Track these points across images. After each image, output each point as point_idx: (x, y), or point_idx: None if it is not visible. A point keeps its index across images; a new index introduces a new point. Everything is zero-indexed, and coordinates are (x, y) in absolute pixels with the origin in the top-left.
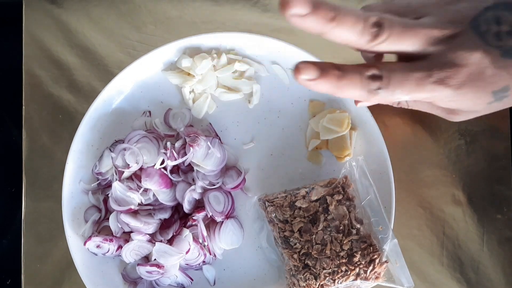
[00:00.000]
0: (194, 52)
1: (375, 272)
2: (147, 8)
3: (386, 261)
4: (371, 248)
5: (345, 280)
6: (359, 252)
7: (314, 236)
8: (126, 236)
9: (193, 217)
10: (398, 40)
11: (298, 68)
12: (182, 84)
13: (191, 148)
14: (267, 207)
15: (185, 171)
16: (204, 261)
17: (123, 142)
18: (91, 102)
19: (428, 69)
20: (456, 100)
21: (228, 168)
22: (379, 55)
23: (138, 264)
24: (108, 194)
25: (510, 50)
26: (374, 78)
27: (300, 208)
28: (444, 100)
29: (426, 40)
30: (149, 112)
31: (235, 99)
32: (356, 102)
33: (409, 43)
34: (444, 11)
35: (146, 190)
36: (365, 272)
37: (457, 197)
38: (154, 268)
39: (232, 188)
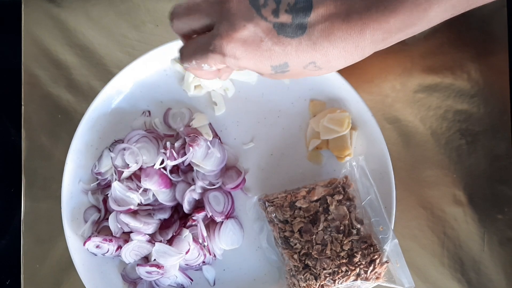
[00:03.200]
0: None
1: (376, 272)
2: (146, 7)
3: (386, 262)
4: (372, 248)
5: (346, 280)
6: (360, 253)
7: (314, 236)
8: (126, 236)
9: (193, 217)
10: (185, 19)
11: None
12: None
13: (190, 148)
14: (267, 207)
15: (185, 171)
16: (204, 262)
17: (123, 142)
18: (91, 102)
19: (208, 39)
20: (242, 66)
21: (228, 168)
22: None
23: (138, 265)
24: (107, 194)
25: (284, 27)
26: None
27: (300, 208)
28: (234, 66)
29: (205, 13)
30: (149, 111)
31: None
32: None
33: (194, 20)
34: None
35: (145, 190)
36: (366, 272)
37: (458, 197)
38: (154, 269)
39: (232, 188)
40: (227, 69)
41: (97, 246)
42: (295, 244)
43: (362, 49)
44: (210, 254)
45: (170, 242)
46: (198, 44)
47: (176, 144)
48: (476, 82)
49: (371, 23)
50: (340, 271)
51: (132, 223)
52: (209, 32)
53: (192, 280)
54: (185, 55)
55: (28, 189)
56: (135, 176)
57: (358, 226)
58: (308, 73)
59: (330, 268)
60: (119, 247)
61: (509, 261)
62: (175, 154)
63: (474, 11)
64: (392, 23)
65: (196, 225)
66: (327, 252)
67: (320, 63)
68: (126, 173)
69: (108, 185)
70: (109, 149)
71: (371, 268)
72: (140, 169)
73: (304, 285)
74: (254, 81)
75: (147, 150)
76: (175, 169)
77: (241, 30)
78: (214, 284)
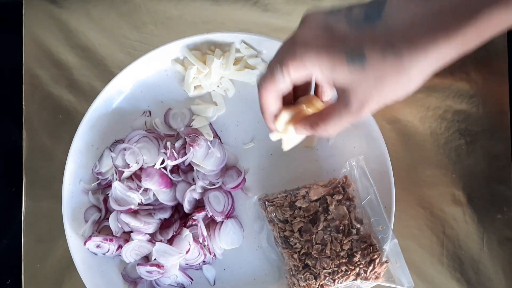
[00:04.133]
0: (194, 52)
1: (375, 272)
2: (147, 8)
3: (386, 261)
4: (371, 248)
5: (345, 280)
6: (359, 252)
7: (314, 236)
8: (126, 236)
9: (193, 217)
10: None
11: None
12: (188, 68)
13: (191, 148)
14: (267, 207)
15: (185, 171)
16: (204, 261)
17: (123, 142)
18: (91, 102)
19: (280, 51)
20: (317, 63)
21: (228, 168)
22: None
23: (138, 264)
24: (108, 194)
25: (354, 18)
26: None
27: (300, 208)
28: (310, 66)
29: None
30: (149, 112)
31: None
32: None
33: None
34: None
35: (146, 190)
36: (365, 272)
37: (457, 197)
38: (154, 268)
39: (232, 188)
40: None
41: (98, 246)
42: (295, 244)
43: (445, 27)
44: (210, 254)
45: (170, 241)
46: (273, 59)
47: (177, 144)
48: (475, 83)
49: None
50: (339, 271)
51: (133, 222)
52: None
53: (192, 280)
54: (263, 76)
55: (29, 189)
56: (136, 176)
57: (358, 225)
58: (390, 74)
59: (330, 268)
60: (120, 247)
61: (508, 261)
62: (175, 154)
63: None
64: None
65: (196, 225)
66: (326, 251)
67: (399, 44)
68: (127, 173)
69: (109, 185)
70: (110, 149)
71: (370, 267)
72: (141, 169)
73: (304, 284)
74: (254, 81)
75: (147, 150)
76: (176, 169)
77: (313, 29)
78: (214, 283)
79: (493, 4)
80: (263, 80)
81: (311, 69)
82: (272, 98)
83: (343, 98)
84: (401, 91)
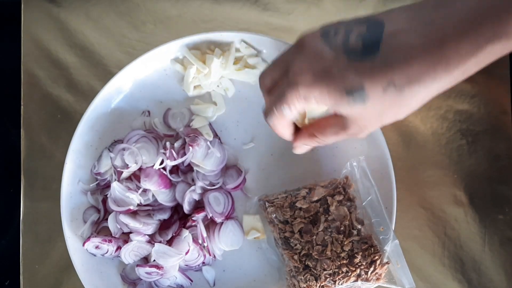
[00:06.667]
0: (193, 51)
1: (376, 273)
2: (146, 7)
3: (387, 262)
4: (372, 249)
5: (346, 281)
6: (360, 253)
7: (314, 237)
8: (125, 237)
9: (193, 218)
10: (268, 72)
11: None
12: (187, 68)
13: (190, 148)
14: (267, 207)
15: (185, 171)
16: (203, 262)
17: (122, 142)
18: (90, 102)
19: (285, 81)
20: (319, 99)
21: (228, 168)
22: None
23: (137, 265)
24: (107, 195)
25: (355, 52)
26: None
27: (300, 208)
28: (312, 102)
29: (284, 61)
30: (148, 111)
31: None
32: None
33: (275, 70)
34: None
35: (145, 190)
36: (366, 273)
37: (459, 197)
38: (154, 269)
39: (232, 188)
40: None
41: (97, 247)
42: (295, 245)
43: (446, 60)
44: (210, 255)
45: (169, 242)
46: (277, 89)
47: (176, 144)
48: (477, 82)
49: (453, 31)
50: (340, 272)
51: (132, 223)
52: None
53: (192, 281)
54: (267, 110)
55: (28, 189)
56: (135, 177)
57: (359, 226)
58: (390, 104)
59: (331, 269)
60: (119, 248)
61: (509, 261)
62: (174, 154)
63: None
64: (480, 30)
65: (196, 226)
66: (327, 252)
67: (400, 81)
68: (126, 173)
69: (108, 186)
70: (109, 149)
71: (371, 269)
72: (140, 169)
73: (305, 285)
74: (254, 81)
75: (146, 150)
76: (175, 170)
77: (311, 61)
78: (214, 285)
79: (496, 40)
80: (272, 117)
81: (314, 103)
82: (286, 128)
83: (342, 121)
84: (400, 116)
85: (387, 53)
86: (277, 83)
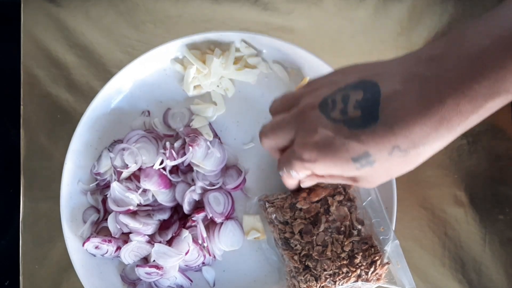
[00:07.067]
0: (193, 51)
1: (377, 273)
2: (146, 7)
3: (387, 263)
4: (373, 249)
5: (346, 281)
6: (360, 254)
7: (315, 237)
8: (125, 237)
9: (193, 218)
10: (272, 137)
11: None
12: (187, 68)
13: (190, 148)
14: (267, 208)
15: (185, 172)
16: (203, 262)
17: (122, 142)
18: (90, 102)
19: (292, 149)
20: (325, 169)
21: (228, 168)
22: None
23: (137, 265)
24: (106, 195)
25: (355, 121)
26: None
27: (301, 209)
28: (317, 170)
29: (287, 130)
30: (148, 111)
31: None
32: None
33: (279, 137)
34: (308, 96)
35: (145, 190)
36: (366, 273)
37: (459, 197)
38: (153, 269)
39: (232, 189)
40: (313, 177)
41: (96, 247)
42: (296, 245)
43: (447, 121)
44: (209, 255)
45: (169, 243)
46: (286, 154)
47: (176, 144)
48: None
49: (450, 91)
50: (340, 272)
51: (132, 223)
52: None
53: (191, 281)
54: (279, 165)
55: (27, 189)
56: (135, 177)
57: (359, 227)
58: (397, 163)
59: (331, 269)
60: (118, 248)
61: (510, 262)
62: (174, 154)
63: (476, 11)
64: (478, 89)
65: (195, 226)
66: (327, 253)
67: (405, 146)
68: (126, 173)
69: (107, 186)
70: (109, 149)
71: (372, 269)
72: (140, 169)
73: (305, 286)
74: (254, 81)
75: (146, 150)
76: (175, 170)
77: (313, 135)
78: (214, 285)
79: (496, 96)
80: (283, 174)
81: (321, 172)
82: (295, 183)
83: (352, 178)
84: (409, 169)
85: (387, 119)
86: (285, 147)
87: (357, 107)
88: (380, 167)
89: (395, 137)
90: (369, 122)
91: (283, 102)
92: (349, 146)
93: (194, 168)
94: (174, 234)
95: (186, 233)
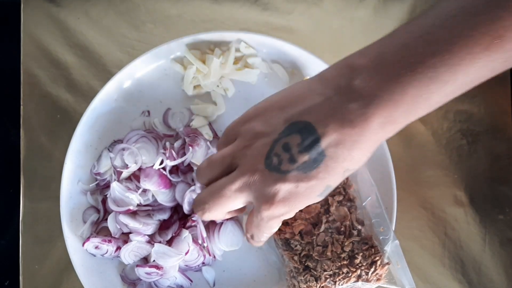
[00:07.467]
0: (193, 51)
1: (377, 273)
2: (146, 7)
3: (387, 263)
4: (373, 249)
5: (346, 282)
6: (361, 254)
7: (315, 237)
8: (125, 237)
9: (193, 218)
10: (218, 211)
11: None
12: (187, 68)
13: (190, 148)
14: None
15: (185, 172)
16: (203, 263)
17: (122, 142)
18: (90, 102)
19: (258, 213)
20: (297, 210)
21: None
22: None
23: (137, 265)
24: (106, 195)
25: (307, 164)
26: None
27: (301, 210)
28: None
29: (239, 198)
30: (148, 111)
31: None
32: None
33: (228, 207)
34: (244, 158)
35: (145, 190)
36: (367, 274)
37: (459, 197)
38: (153, 269)
39: None
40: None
41: (96, 247)
42: (296, 246)
43: (379, 138)
44: (209, 255)
45: (169, 243)
46: (255, 225)
47: (176, 144)
48: None
49: (375, 118)
50: (341, 273)
51: (131, 223)
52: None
53: (191, 281)
54: (251, 238)
55: (27, 189)
56: (135, 177)
57: (359, 227)
58: (348, 174)
59: (331, 270)
60: (118, 248)
61: (510, 262)
62: (174, 154)
63: None
64: (397, 115)
65: (195, 226)
66: (327, 253)
67: (352, 166)
68: (125, 173)
69: (107, 186)
70: (108, 149)
71: (372, 269)
72: (140, 169)
73: (305, 286)
74: (254, 81)
75: (146, 150)
76: (175, 170)
77: (277, 195)
78: (214, 285)
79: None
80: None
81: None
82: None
83: None
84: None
85: (333, 152)
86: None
87: (302, 151)
88: (335, 183)
89: (343, 164)
90: (319, 160)
91: (213, 169)
92: (313, 188)
93: (194, 168)
94: (174, 234)
95: (186, 233)
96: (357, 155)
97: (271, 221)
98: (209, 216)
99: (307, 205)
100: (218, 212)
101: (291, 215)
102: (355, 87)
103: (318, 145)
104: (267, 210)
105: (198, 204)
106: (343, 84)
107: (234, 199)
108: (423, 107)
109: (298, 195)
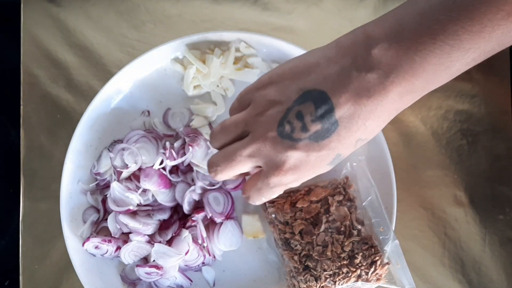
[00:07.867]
0: (193, 51)
1: (377, 273)
2: (146, 7)
3: (387, 263)
4: (373, 249)
5: (346, 282)
6: (361, 254)
7: (315, 237)
8: (125, 237)
9: (193, 218)
10: (228, 174)
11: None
12: (187, 68)
13: (190, 148)
14: (268, 207)
15: (185, 172)
16: (203, 262)
17: (122, 142)
18: (90, 102)
19: (262, 179)
20: (307, 179)
21: None
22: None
23: (137, 265)
24: (106, 195)
25: (319, 133)
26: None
27: (301, 209)
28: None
29: (249, 163)
30: (148, 111)
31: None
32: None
33: (239, 171)
34: (257, 125)
35: (145, 190)
36: (367, 273)
37: (459, 197)
38: (153, 269)
39: (232, 189)
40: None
41: (96, 247)
42: (296, 246)
43: (396, 108)
44: (209, 255)
45: (169, 242)
46: (259, 187)
47: (176, 144)
48: (477, 82)
49: (394, 88)
50: (340, 273)
51: (131, 223)
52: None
53: (191, 281)
54: (249, 197)
55: (27, 189)
56: (134, 177)
57: (359, 227)
58: (360, 144)
59: (331, 270)
60: (118, 248)
61: (510, 262)
62: (174, 154)
63: None
64: (417, 85)
65: (195, 226)
66: (327, 253)
67: (365, 136)
68: (125, 173)
69: (107, 186)
70: (108, 149)
71: (372, 269)
72: (140, 169)
73: (305, 286)
74: (253, 81)
75: (146, 150)
76: (175, 170)
77: (287, 162)
78: (213, 285)
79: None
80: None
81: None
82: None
83: None
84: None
85: (346, 121)
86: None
87: (315, 120)
88: (347, 153)
89: (356, 134)
90: (332, 130)
91: (227, 135)
92: (324, 157)
93: (194, 168)
94: (174, 234)
95: (186, 233)
96: (371, 125)
97: (276, 187)
98: (220, 177)
99: (316, 174)
100: (229, 174)
101: (297, 184)
102: (373, 57)
103: (332, 115)
104: (276, 177)
105: (211, 166)
106: (361, 53)
107: (244, 164)
108: (444, 76)
109: (308, 164)
